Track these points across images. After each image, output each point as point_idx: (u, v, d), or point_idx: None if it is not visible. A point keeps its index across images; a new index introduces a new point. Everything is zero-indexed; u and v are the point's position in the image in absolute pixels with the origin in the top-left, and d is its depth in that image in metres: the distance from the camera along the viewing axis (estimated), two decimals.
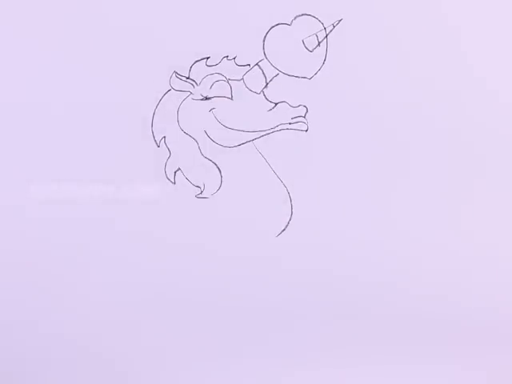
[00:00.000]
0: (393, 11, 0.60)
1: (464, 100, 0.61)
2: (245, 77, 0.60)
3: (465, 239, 0.62)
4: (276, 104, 0.61)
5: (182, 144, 0.61)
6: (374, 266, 0.62)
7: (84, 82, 0.61)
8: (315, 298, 0.63)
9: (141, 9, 0.61)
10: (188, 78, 0.61)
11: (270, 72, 0.60)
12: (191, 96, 0.61)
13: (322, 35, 0.60)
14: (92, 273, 0.63)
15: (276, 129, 0.61)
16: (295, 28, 0.60)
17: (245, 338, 0.63)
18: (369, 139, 0.61)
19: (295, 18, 0.60)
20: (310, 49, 0.60)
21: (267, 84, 0.60)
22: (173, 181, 0.62)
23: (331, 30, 0.60)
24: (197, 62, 0.60)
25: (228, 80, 0.61)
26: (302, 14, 0.60)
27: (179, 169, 0.61)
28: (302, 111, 0.61)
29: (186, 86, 0.61)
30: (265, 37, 0.60)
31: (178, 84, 0.61)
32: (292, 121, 0.61)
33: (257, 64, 0.60)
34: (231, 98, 0.61)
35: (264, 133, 0.61)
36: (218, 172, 0.61)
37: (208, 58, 0.60)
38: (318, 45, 0.60)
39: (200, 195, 0.62)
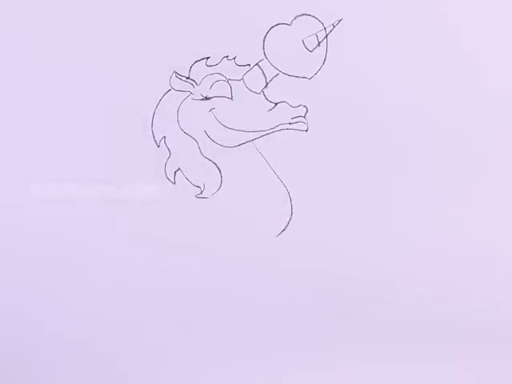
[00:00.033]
0: (393, 11, 0.60)
1: (464, 100, 0.60)
2: (245, 77, 0.60)
3: (465, 239, 0.62)
4: (276, 104, 0.61)
5: (182, 144, 0.61)
6: (374, 266, 0.62)
7: (84, 82, 0.61)
8: (315, 298, 0.63)
9: (141, 9, 0.60)
10: (188, 78, 0.61)
11: (270, 72, 0.60)
12: (191, 96, 0.61)
13: (321, 35, 0.60)
14: (92, 273, 0.63)
15: (276, 129, 0.61)
16: (295, 28, 0.60)
17: (245, 338, 0.63)
18: (369, 139, 0.61)
19: (295, 18, 0.60)
20: (310, 49, 0.60)
21: (267, 84, 0.60)
22: (173, 181, 0.62)
23: (331, 30, 0.60)
24: (197, 62, 0.60)
25: (228, 80, 0.61)
26: (302, 14, 0.60)
27: (179, 169, 0.61)
28: (302, 111, 0.61)
29: (186, 86, 0.61)
30: (265, 37, 0.60)
31: (177, 84, 0.61)
32: (292, 121, 0.61)
33: (257, 64, 0.60)
34: (231, 98, 0.61)
35: (264, 133, 0.61)
36: (218, 172, 0.61)
37: (208, 58, 0.60)
38: (318, 45, 0.60)
39: (200, 195, 0.62)
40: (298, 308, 0.63)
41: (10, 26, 0.61)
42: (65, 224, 0.62)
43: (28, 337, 0.64)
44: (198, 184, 0.62)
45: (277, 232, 0.62)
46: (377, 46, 0.60)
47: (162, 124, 0.61)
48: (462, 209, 0.61)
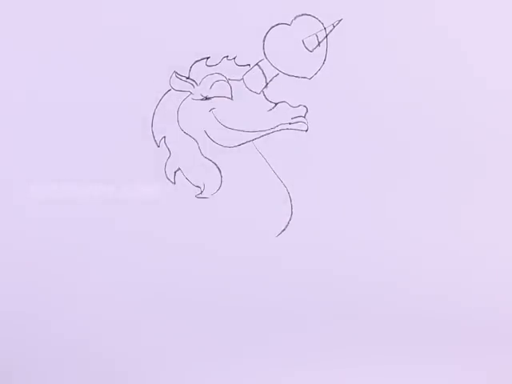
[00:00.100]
0: (393, 11, 0.60)
1: (464, 100, 0.60)
2: (245, 77, 0.60)
3: (465, 239, 0.62)
4: (276, 104, 0.61)
5: (182, 144, 0.61)
6: (374, 266, 0.62)
7: (84, 82, 0.61)
8: (315, 298, 0.63)
9: (141, 9, 0.61)
10: (188, 78, 0.61)
11: (270, 72, 0.60)
12: (191, 96, 0.61)
13: (322, 35, 0.60)
14: (92, 273, 0.63)
15: (276, 129, 0.61)
16: (295, 28, 0.60)
17: (245, 338, 0.63)
18: (369, 139, 0.61)
19: (295, 18, 0.60)
20: (310, 49, 0.60)
21: (267, 84, 0.60)
22: (173, 181, 0.62)
23: (331, 30, 0.60)
24: (197, 61, 0.60)
25: (228, 80, 0.61)
26: (302, 14, 0.60)
27: (179, 169, 0.61)
28: (302, 111, 0.61)
29: (186, 86, 0.61)
30: (265, 37, 0.60)
31: (177, 84, 0.61)
32: (292, 121, 0.61)
33: (257, 64, 0.60)
34: (231, 98, 0.61)
35: (264, 133, 0.61)
36: (218, 172, 0.61)
37: (208, 58, 0.60)
38: (318, 45, 0.60)
39: (200, 195, 0.62)
40: (298, 308, 0.63)
41: (10, 26, 0.61)
42: (65, 224, 0.62)
43: (28, 337, 0.64)
44: (198, 184, 0.62)
45: (277, 232, 0.62)
46: (377, 46, 0.60)
47: (162, 124, 0.61)
48: (462, 209, 0.62)
